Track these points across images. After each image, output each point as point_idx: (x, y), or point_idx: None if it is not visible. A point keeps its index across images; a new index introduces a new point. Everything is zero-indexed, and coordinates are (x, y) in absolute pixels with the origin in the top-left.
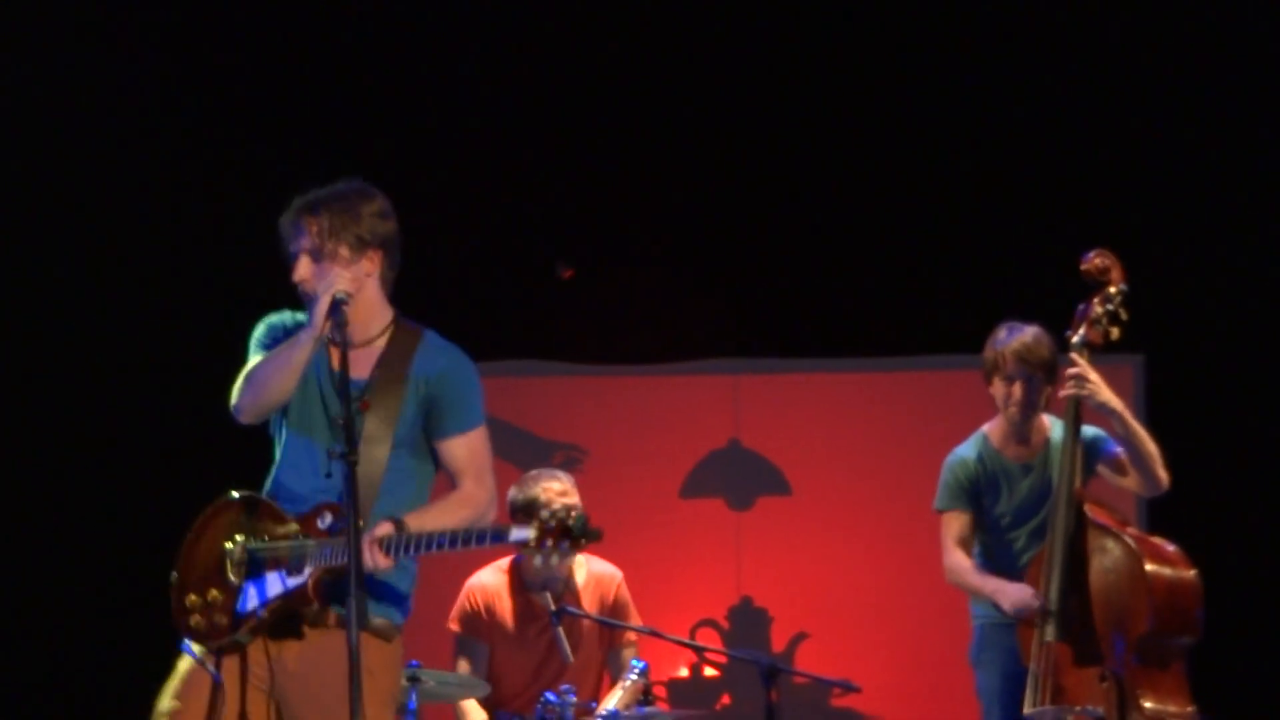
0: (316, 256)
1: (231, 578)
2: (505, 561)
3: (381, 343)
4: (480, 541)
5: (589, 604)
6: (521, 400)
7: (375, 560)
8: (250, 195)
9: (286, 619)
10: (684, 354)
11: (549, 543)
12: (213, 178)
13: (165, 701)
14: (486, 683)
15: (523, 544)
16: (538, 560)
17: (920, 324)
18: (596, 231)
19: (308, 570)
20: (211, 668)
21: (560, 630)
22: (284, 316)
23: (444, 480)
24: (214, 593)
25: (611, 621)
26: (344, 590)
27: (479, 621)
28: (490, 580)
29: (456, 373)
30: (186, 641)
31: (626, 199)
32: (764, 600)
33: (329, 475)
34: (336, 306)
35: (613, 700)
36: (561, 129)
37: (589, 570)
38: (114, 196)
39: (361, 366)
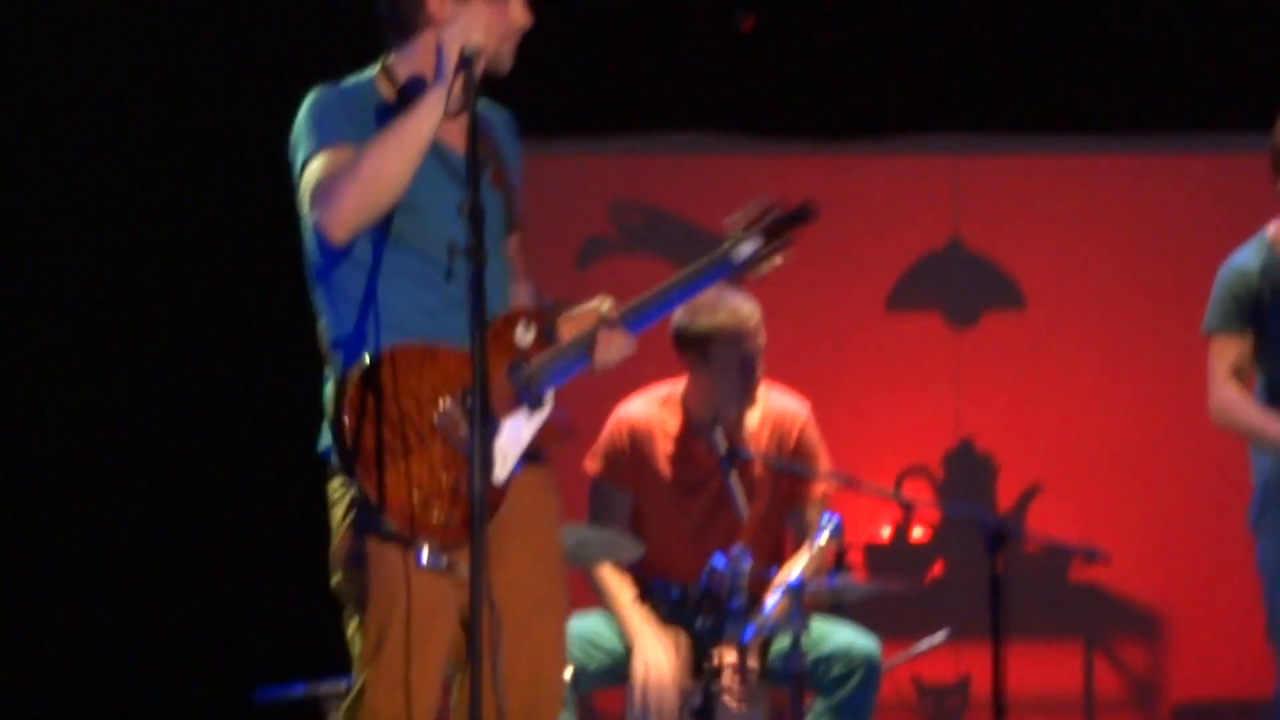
0: None
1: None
2: (664, 390)
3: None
4: (708, 279)
5: (767, 447)
6: (685, 182)
7: (626, 347)
8: None
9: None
10: (891, 127)
11: (779, 240)
12: None
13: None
14: (640, 542)
15: (753, 259)
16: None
17: (1190, 93)
18: None
19: (548, 397)
20: (457, 562)
21: (733, 478)
22: (331, 89)
23: None
24: (441, 475)
25: (796, 468)
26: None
27: (622, 462)
28: (644, 412)
29: (519, 153)
30: (428, 555)
31: None
32: (988, 444)
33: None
34: (467, 62)
35: (797, 567)
36: None
37: (767, 404)
38: None
39: (458, 140)
